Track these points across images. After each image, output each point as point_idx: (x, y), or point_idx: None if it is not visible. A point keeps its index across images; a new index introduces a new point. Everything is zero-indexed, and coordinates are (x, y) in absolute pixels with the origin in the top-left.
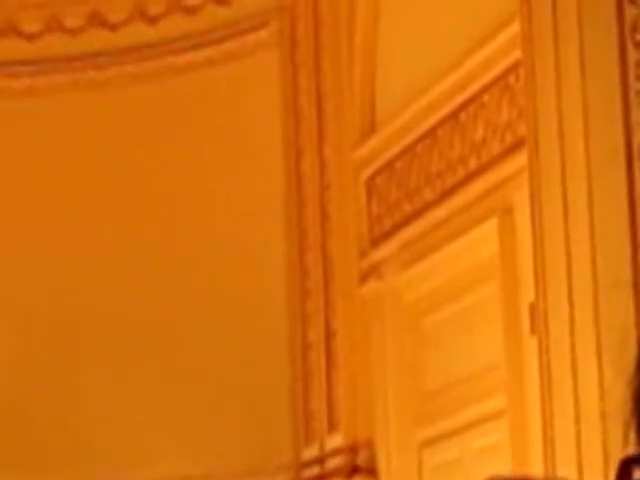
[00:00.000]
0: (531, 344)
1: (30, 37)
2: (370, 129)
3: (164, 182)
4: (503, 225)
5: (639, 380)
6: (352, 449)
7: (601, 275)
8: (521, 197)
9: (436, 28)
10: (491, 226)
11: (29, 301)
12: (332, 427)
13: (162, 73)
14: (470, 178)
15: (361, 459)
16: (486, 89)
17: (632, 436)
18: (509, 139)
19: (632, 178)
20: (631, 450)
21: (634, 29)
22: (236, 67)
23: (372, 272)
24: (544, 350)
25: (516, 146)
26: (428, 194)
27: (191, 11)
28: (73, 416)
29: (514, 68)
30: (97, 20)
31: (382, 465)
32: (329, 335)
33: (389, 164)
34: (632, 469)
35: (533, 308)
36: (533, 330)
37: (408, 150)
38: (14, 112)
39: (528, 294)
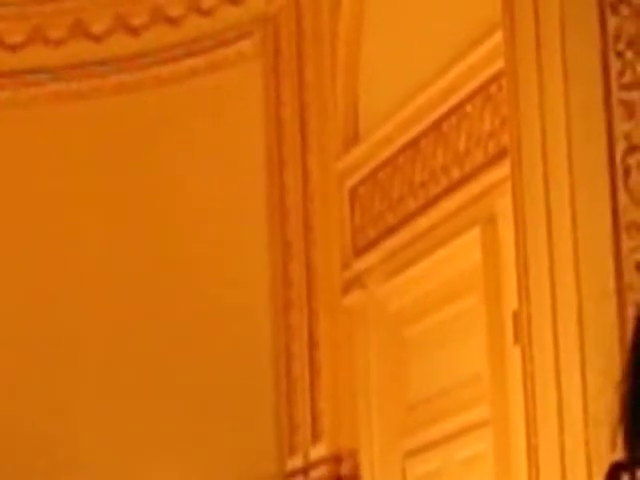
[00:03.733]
0: (515, 353)
1: (12, 48)
2: (353, 140)
3: (145, 193)
4: (486, 234)
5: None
6: (336, 459)
7: (585, 284)
8: (504, 206)
9: (419, 39)
10: (474, 235)
11: (16, 319)
12: (316, 437)
13: (145, 84)
14: (453, 188)
15: (345, 469)
16: (469, 99)
17: (620, 442)
18: (492, 149)
19: (615, 187)
20: (619, 456)
21: (617, 39)
22: (219, 78)
23: (356, 282)
24: (528, 359)
25: (499, 156)
26: (411, 204)
27: (174, 22)
28: (61, 431)
29: (496, 78)
30: (80, 31)
31: (366, 475)
32: (313, 345)
33: (372, 174)
34: (620, 475)
35: (516, 317)
36: (516, 339)
37: (391, 160)
38: None
39: (511, 303)
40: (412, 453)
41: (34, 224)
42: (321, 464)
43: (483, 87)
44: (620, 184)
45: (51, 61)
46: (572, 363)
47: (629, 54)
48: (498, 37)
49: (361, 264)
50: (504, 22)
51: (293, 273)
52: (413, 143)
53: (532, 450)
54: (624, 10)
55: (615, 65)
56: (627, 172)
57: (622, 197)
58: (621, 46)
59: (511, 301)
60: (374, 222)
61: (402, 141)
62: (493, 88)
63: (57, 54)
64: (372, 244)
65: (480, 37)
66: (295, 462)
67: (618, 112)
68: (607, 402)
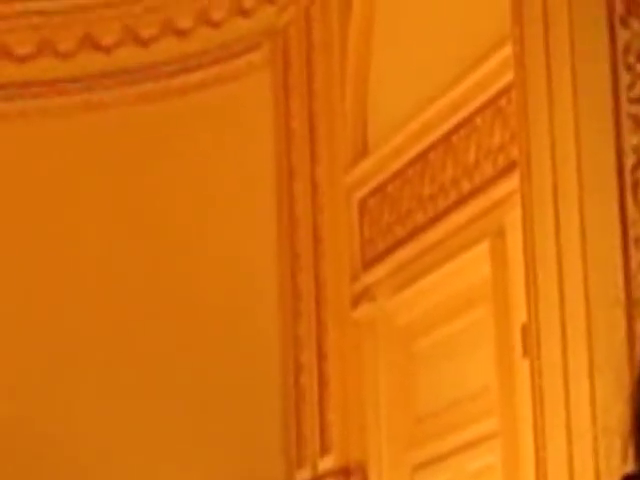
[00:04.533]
0: (523, 366)
1: (22, 60)
2: (362, 152)
3: (156, 204)
4: (495, 248)
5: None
6: (344, 471)
7: (593, 296)
8: (513, 219)
9: (428, 51)
10: (483, 249)
11: (17, 321)
12: (324, 449)
13: (154, 96)
14: (462, 201)
15: None
16: (478, 112)
17: (631, 454)
18: (501, 162)
19: (624, 200)
20: (630, 467)
21: (626, 52)
22: (228, 89)
23: (364, 295)
24: (536, 372)
25: (508, 169)
26: (420, 217)
27: (183, 34)
28: (62, 433)
29: (506, 91)
30: (89, 43)
31: None
32: (321, 357)
33: (381, 187)
34: None
35: (525, 330)
36: (525, 352)
37: (400, 173)
38: (5, 136)
39: (520, 316)
40: (421, 466)
41: (37, 230)
42: (329, 476)
43: (493, 100)
44: (629, 197)
45: (60, 73)
46: (581, 376)
47: (639, 67)
48: (508, 50)
49: (370, 277)
50: (514, 35)
51: (302, 285)
52: (422, 156)
53: (541, 462)
54: (634, 23)
55: (624, 78)
56: (636, 185)
57: (631, 210)
58: (631, 59)
59: (520, 314)
60: (383, 235)
61: (411, 154)
62: (503, 101)
63: (66, 66)
64: (381, 257)
65: (490, 50)
66: (303, 474)
67: (627, 125)
68: (617, 414)
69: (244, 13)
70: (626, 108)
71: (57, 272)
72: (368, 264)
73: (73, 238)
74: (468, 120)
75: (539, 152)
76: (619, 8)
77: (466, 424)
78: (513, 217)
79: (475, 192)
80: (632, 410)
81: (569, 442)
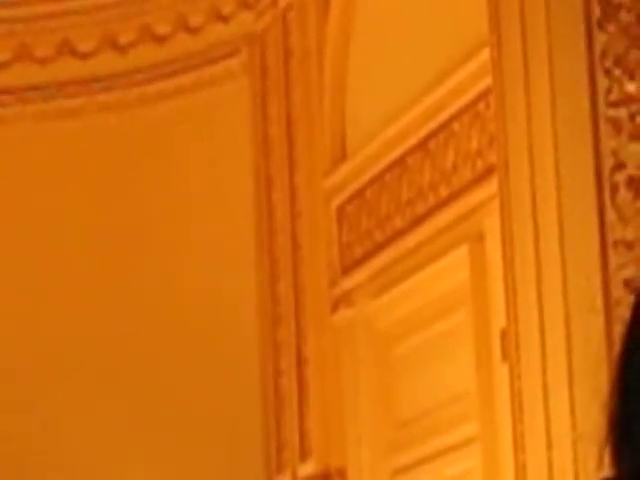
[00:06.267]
0: (503, 371)
1: (0, 66)
2: (341, 157)
3: (132, 211)
4: (474, 252)
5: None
6: (324, 477)
7: (572, 301)
8: (492, 224)
9: (406, 56)
10: (462, 253)
11: (7, 331)
12: (304, 455)
13: (132, 102)
14: (441, 206)
15: None
16: (456, 117)
17: (607, 459)
18: (480, 167)
19: (602, 205)
20: (606, 473)
21: (604, 56)
22: (206, 95)
23: (343, 300)
24: (515, 377)
25: (487, 174)
26: (399, 222)
27: (161, 40)
28: (51, 444)
29: (484, 96)
30: (67, 49)
31: None
32: (300, 363)
33: (359, 192)
34: None
35: (504, 335)
36: (504, 357)
37: (378, 178)
38: None
39: (499, 321)
40: (401, 470)
41: (33, 238)
42: None
43: (470, 105)
44: (608, 201)
45: (37, 79)
46: (560, 380)
47: (616, 71)
48: (485, 55)
49: (349, 282)
50: (491, 40)
51: (281, 291)
52: (400, 161)
53: (520, 467)
54: (611, 27)
55: (602, 82)
56: (614, 189)
57: (610, 214)
58: (608, 63)
59: (499, 318)
60: (361, 240)
61: (389, 159)
62: (481, 106)
63: (44, 72)
64: (359, 262)
65: (467, 55)
66: None
67: (605, 129)
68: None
69: (222, 19)
70: (604, 112)
71: (48, 285)
72: (347, 269)
73: (45, 252)
74: (446, 125)
75: (517, 156)
76: (596, 12)
77: (445, 428)
78: (492, 221)
79: (454, 197)
80: (608, 415)
81: (548, 447)
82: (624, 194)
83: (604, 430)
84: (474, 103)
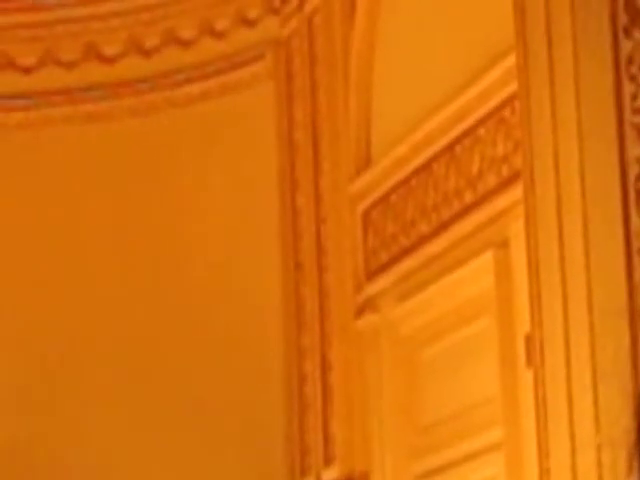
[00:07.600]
0: (527, 376)
1: (26, 70)
2: (366, 162)
3: (159, 215)
4: (499, 258)
5: None
6: None
7: (597, 306)
8: (517, 230)
9: (432, 62)
10: (487, 259)
11: (21, 330)
12: (328, 460)
13: (157, 106)
14: (466, 211)
15: None
16: (482, 122)
17: (636, 465)
18: (505, 172)
19: (627, 210)
20: (635, 479)
21: (630, 62)
22: (231, 100)
23: (368, 305)
24: (540, 382)
25: (512, 179)
26: (424, 227)
27: (186, 44)
28: (66, 445)
29: (510, 101)
30: (92, 53)
31: None
32: (325, 368)
33: (385, 197)
34: None
35: (529, 340)
36: (529, 362)
37: (404, 183)
38: (9, 146)
39: (524, 327)
40: (424, 476)
41: (42, 242)
42: None
43: (496, 110)
44: (633, 207)
45: (64, 83)
46: (584, 386)
47: None
48: (511, 60)
49: (374, 287)
50: (517, 45)
51: (306, 295)
52: (426, 166)
53: (544, 473)
54: (637, 34)
55: (628, 89)
56: (639, 195)
57: (634, 220)
58: (634, 70)
59: (523, 324)
60: (386, 245)
61: (414, 164)
62: (506, 111)
63: (70, 76)
64: (384, 267)
65: (493, 60)
66: None
67: (631, 136)
68: (621, 425)
69: (248, 24)
70: (629, 118)
71: (62, 286)
72: (372, 274)
73: (69, 254)
74: (471, 130)
75: (542, 162)
76: (622, 18)
77: (470, 434)
78: (517, 227)
79: (479, 202)
80: (637, 422)
81: (573, 453)
82: None
83: (634, 437)
84: (500, 109)
